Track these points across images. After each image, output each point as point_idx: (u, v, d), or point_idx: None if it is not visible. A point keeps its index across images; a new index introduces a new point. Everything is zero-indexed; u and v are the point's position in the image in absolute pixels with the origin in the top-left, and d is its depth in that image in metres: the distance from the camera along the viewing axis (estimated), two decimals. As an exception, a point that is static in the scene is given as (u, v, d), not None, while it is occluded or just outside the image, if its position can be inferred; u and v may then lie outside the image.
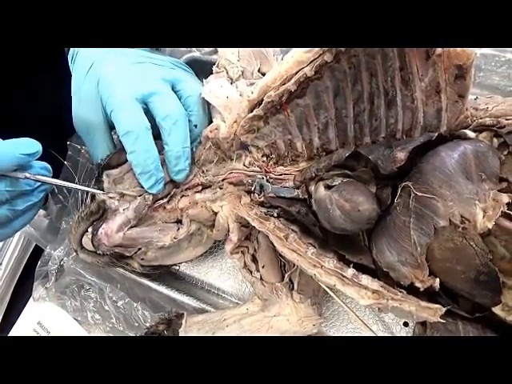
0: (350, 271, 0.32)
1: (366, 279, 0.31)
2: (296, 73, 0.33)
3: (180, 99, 0.39)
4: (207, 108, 0.40)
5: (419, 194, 0.31)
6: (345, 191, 0.33)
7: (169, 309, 0.45)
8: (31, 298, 0.51)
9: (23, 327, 0.51)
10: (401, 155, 0.32)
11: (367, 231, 0.35)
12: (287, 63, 0.33)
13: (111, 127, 0.40)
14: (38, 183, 0.35)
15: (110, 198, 0.37)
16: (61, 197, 0.50)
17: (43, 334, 0.50)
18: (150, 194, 0.38)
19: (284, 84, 0.34)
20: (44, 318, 0.51)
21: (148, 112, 0.38)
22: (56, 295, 0.48)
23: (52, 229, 0.50)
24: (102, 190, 0.38)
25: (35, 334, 0.50)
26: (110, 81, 0.38)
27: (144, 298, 0.46)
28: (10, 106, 0.57)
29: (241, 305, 0.41)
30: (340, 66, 0.34)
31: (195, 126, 0.40)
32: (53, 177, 0.36)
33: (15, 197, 0.34)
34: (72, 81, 0.42)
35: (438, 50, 0.33)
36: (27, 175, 0.33)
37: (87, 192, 0.37)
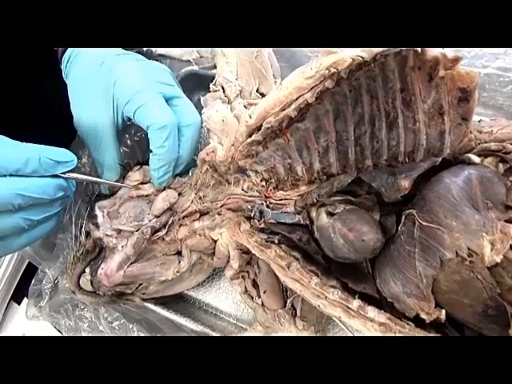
0: (355, 303, 0.31)
1: (372, 311, 0.31)
2: (296, 99, 0.32)
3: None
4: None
5: (424, 223, 0.30)
6: (348, 220, 0.32)
7: (165, 330, 0.44)
8: (16, 311, 0.50)
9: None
10: (405, 183, 0.31)
11: (371, 259, 0.34)
12: (287, 89, 0.32)
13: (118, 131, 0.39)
14: (59, 194, 0.32)
15: (107, 235, 0.36)
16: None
17: None
18: (147, 227, 0.37)
19: (284, 110, 0.33)
20: (31, 331, 0.50)
21: None
22: (50, 314, 0.47)
23: (46, 244, 0.48)
24: (97, 225, 0.36)
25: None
26: (133, 77, 0.37)
27: (140, 319, 0.45)
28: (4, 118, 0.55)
29: (242, 332, 0.40)
30: (340, 89, 0.33)
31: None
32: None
33: (30, 205, 0.31)
34: (71, 83, 0.40)
35: (441, 73, 0.32)
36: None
37: (81, 228, 0.36)
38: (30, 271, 0.52)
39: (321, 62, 0.30)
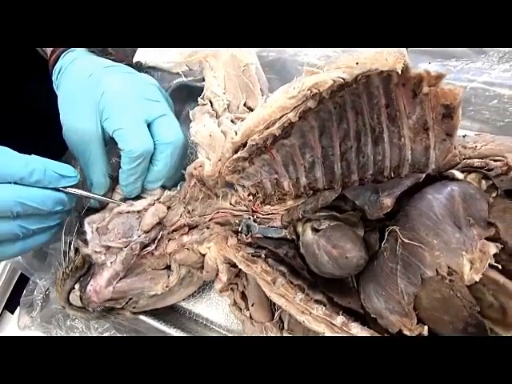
0: (339, 319, 0.32)
1: (355, 327, 0.31)
2: (280, 117, 0.32)
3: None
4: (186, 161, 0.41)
5: (406, 240, 0.31)
6: (332, 237, 0.33)
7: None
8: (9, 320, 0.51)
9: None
10: (387, 201, 0.31)
11: (356, 274, 0.35)
12: (271, 108, 0.33)
13: (106, 142, 0.39)
14: (57, 208, 0.34)
15: (96, 252, 0.36)
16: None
17: None
18: (136, 243, 0.37)
19: (268, 128, 0.33)
20: None
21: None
22: (41, 324, 0.47)
23: (39, 254, 0.49)
24: (86, 242, 0.37)
25: None
26: (118, 96, 0.37)
27: (130, 330, 0.45)
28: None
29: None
30: (325, 106, 0.33)
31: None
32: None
33: (28, 214, 0.32)
34: (60, 95, 0.40)
35: (425, 89, 0.32)
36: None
37: (70, 244, 0.36)
38: (24, 281, 0.52)
39: (303, 82, 0.31)
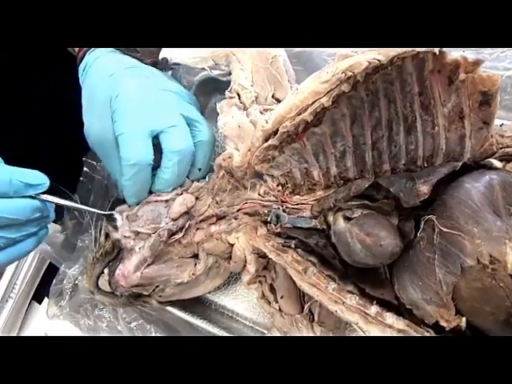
0: (373, 309, 0.31)
1: (390, 317, 0.30)
2: (312, 103, 0.32)
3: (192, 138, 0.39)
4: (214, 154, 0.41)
5: (444, 229, 0.30)
6: (366, 224, 0.32)
7: (182, 331, 0.45)
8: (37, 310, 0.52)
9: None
10: (424, 188, 0.30)
11: (389, 264, 0.34)
12: (303, 93, 0.32)
13: None
14: (35, 215, 0.33)
15: (126, 237, 0.37)
16: (76, 213, 0.50)
17: None
18: (164, 230, 0.37)
19: (300, 114, 0.33)
20: (52, 330, 0.52)
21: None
22: (70, 313, 0.48)
23: (68, 245, 0.50)
24: (116, 227, 0.37)
25: None
26: (128, 101, 0.37)
27: (157, 320, 0.45)
28: (26, 123, 0.57)
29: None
30: (357, 93, 0.33)
31: (199, 169, 0.40)
32: (68, 194, 0.36)
33: (7, 225, 0.31)
34: (83, 92, 0.41)
35: (462, 76, 0.32)
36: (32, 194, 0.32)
37: (100, 230, 0.37)
38: (51, 272, 0.53)
39: (337, 66, 0.30)
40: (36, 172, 0.33)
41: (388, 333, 0.30)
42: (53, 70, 0.53)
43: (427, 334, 0.30)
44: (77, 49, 0.44)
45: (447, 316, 0.30)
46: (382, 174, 0.36)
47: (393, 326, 0.30)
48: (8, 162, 0.34)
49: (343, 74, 0.30)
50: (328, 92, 0.31)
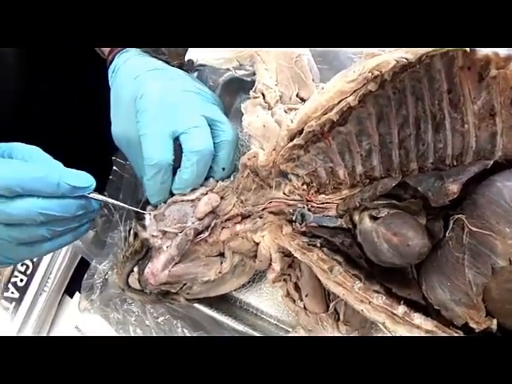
0: (400, 309, 0.31)
1: (418, 318, 0.30)
2: (338, 102, 0.32)
3: (214, 138, 0.39)
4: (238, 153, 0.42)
5: (474, 229, 0.29)
6: (393, 224, 0.32)
7: (208, 327, 0.46)
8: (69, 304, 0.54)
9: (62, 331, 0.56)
10: (453, 188, 0.30)
11: (416, 264, 0.34)
12: (328, 93, 0.32)
13: None
14: (80, 212, 0.35)
15: (153, 236, 0.38)
16: (106, 210, 0.52)
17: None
18: (190, 229, 0.38)
19: (325, 114, 0.33)
20: (82, 323, 0.54)
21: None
22: (100, 307, 0.49)
23: (97, 242, 0.51)
24: (144, 226, 0.38)
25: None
26: (151, 102, 0.38)
27: (183, 316, 0.47)
28: (58, 120, 0.60)
29: (285, 333, 0.40)
30: (384, 91, 0.33)
31: (223, 168, 0.40)
32: (99, 192, 0.37)
33: (54, 220, 0.34)
34: (112, 93, 0.42)
35: (493, 72, 0.31)
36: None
37: (130, 230, 0.38)
38: (82, 267, 0.55)
39: (364, 65, 0.30)
40: (83, 174, 0.35)
41: (415, 333, 0.30)
42: (83, 71, 0.55)
43: (456, 336, 0.29)
44: (107, 52, 0.45)
45: (477, 318, 0.29)
46: (409, 172, 0.35)
47: (421, 326, 0.30)
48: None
49: (370, 74, 0.30)
50: (354, 91, 0.31)
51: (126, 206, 0.39)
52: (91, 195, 0.35)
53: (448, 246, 0.31)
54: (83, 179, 0.34)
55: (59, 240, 0.36)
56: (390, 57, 0.29)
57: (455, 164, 0.34)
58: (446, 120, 0.34)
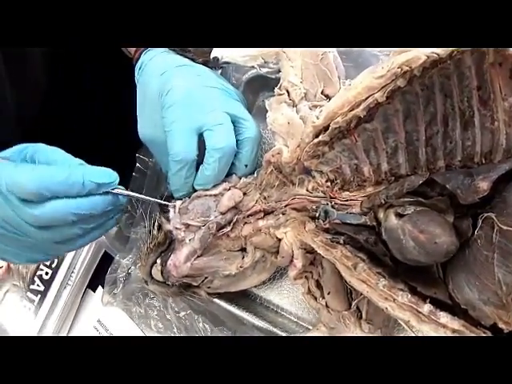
0: (426, 307, 0.30)
1: (444, 317, 0.30)
2: (365, 98, 0.32)
3: (237, 136, 0.40)
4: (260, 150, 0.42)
5: (504, 227, 0.29)
6: (419, 221, 0.32)
7: (228, 323, 0.46)
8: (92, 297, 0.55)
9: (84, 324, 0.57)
10: (483, 185, 0.29)
11: (442, 263, 0.33)
12: (356, 89, 0.32)
13: None
14: (109, 208, 0.36)
15: (177, 228, 0.38)
16: (129, 206, 0.53)
17: (103, 332, 0.56)
18: (213, 223, 0.39)
19: (352, 110, 0.33)
20: (104, 317, 0.55)
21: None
22: (122, 301, 0.50)
23: (120, 237, 0.52)
24: (168, 219, 0.39)
25: (96, 332, 0.56)
26: (177, 98, 0.39)
27: (204, 311, 0.47)
28: (82, 119, 0.61)
29: (305, 332, 0.40)
30: (412, 88, 0.32)
31: (246, 165, 0.41)
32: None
33: (82, 220, 0.35)
34: (138, 90, 0.43)
35: (525, 68, 0.30)
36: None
37: (154, 222, 0.39)
38: (104, 262, 0.57)
39: (393, 61, 0.30)
40: (106, 171, 0.36)
41: (441, 332, 0.30)
42: (109, 69, 0.57)
43: (483, 336, 0.29)
44: (133, 50, 0.46)
45: (506, 318, 0.28)
46: (435, 170, 0.35)
47: (447, 325, 0.29)
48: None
49: (399, 69, 0.30)
50: (383, 87, 0.31)
51: (150, 198, 0.40)
52: (116, 191, 0.36)
53: (476, 244, 0.30)
54: (106, 175, 0.35)
55: (90, 235, 0.38)
56: (420, 52, 0.29)
57: (484, 162, 0.34)
58: (475, 117, 0.33)
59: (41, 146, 0.37)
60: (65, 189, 0.33)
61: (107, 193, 0.35)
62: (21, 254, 0.37)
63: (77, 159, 0.37)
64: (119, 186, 0.36)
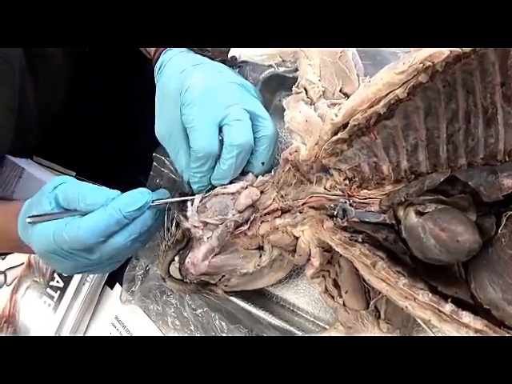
0: (448, 306, 0.30)
1: (467, 316, 0.29)
2: (386, 95, 0.32)
3: (255, 133, 0.40)
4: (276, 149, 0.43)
5: (530, 225, 0.28)
6: (440, 219, 0.31)
7: (244, 321, 0.46)
8: (110, 295, 0.56)
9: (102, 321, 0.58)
10: (508, 182, 0.29)
11: (463, 262, 0.32)
12: (376, 85, 0.32)
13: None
14: (156, 218, 0.40)
15: (195, 226, 0.39)
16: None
17: (121, 328, 0.57)
18: (231, 221, 0.39)
19: (372, 107, 0.33)
20: (122, 314, 0.57)
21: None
22: (140, 299, 0.51)
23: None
24: (186, 217, 0.39)
25: (113, 329, 0.57)
26: (197, 95, 0.39)
27: (221, 309, 0.47)
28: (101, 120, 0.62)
29: (322, 331, 0.40)
30: (433, 84, 0.32)
31: (262, 163, 0.41)
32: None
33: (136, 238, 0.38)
34: (157, 88, 0.44)
35: (551, 63, 0.30)
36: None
37: (172, 220, 0.39)
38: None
39: (415, 56, 0.30)
40: (137, 194, 0.38)
41: (463, 332, 0.29)
42: (128, 69, 0.58)
43: (507, 336, 0.28)
44: (152, 51, 0.47)
45: (532, 318, 0.28)
46: (457, 168, 0.34)
47: (469, 325, 0.29)
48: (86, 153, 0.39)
49: (421, 65, 0.29)
50: (404, 83, 0.31)
51: (182, 198, 0.41)
52: (156, 203, 0.38)
53: (500, 243, 0.30)
54: (140, 198, 0.37)
55: (145, 240, 0.41)
56: (443, 48, 0.29)
57: (507, 160, 0.33)
58: (498, 114, 0.32)
59: (65, 187, 0.39)
60: (111, 229, 0.36)
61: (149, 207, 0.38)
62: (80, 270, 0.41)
63: (111, 192, 0.38)
64: (154, 195, 0.38)
